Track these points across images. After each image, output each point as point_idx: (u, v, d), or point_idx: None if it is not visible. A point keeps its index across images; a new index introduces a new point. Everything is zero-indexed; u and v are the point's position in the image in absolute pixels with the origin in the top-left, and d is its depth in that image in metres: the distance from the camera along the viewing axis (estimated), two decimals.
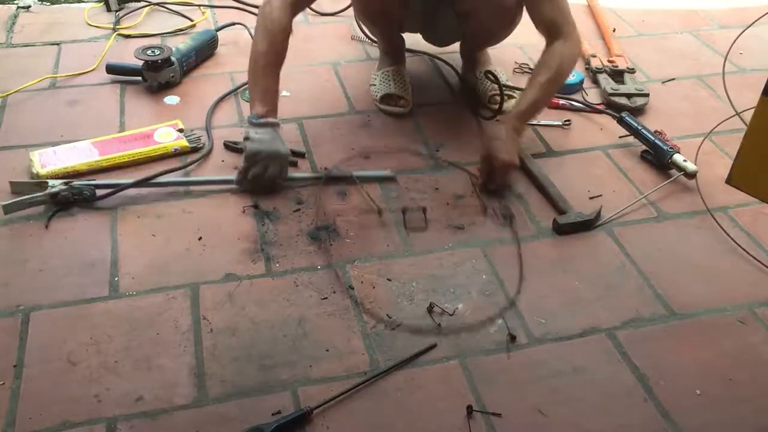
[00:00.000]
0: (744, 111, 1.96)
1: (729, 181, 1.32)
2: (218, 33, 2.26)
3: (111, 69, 2.08)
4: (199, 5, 2.47)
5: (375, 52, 2.24)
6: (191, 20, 2.39)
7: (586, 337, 1.40)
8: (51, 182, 1.63)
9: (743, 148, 1.28)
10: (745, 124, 1.73)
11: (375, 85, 2.04)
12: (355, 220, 1.64)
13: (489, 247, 1.59)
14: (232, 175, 1.71)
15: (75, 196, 1.62)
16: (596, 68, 2.17)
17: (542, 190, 1.74)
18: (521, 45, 2.29)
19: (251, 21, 2.38)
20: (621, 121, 1.90)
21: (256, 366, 1.31)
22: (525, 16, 1.85)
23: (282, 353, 1.34)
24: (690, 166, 1.76)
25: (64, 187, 1.61)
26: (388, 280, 1.50)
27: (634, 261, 1.57)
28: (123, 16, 2.40)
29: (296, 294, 1.45)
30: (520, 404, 1.27)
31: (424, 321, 1.41)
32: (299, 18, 2.43)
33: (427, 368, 1.33)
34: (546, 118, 1.99)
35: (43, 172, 1.68)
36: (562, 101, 2.04)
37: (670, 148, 1.80)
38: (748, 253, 1.59)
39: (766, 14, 2.15)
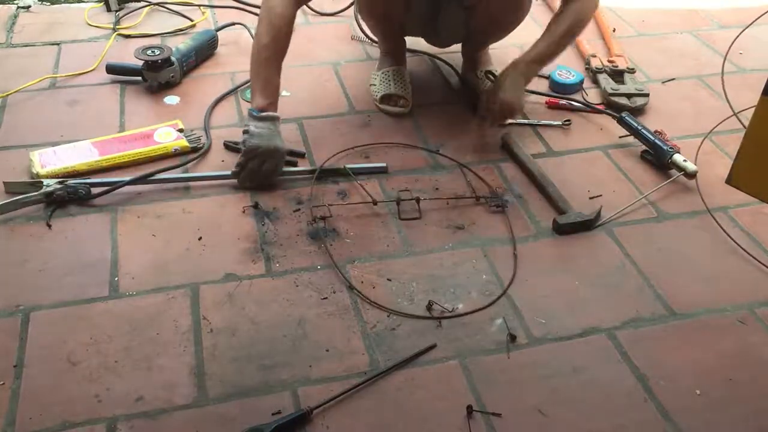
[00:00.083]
0: (743, 111, 1.96)
1: (729, 181, 1.32)
2: (218, 33, 2.26)
3: (111, 69, 2.08)
4: (199, 5, 2.47)
5: (375, 52, 2.24)
6: (191, 20, 2.39)
7: (586, 337, 1.40)
8: (46, 182, 1.63)
9: (743, 148, 1.28)
10: (743, 125, 1.73)
11: (375, 85, 2.04)
12: (355, 220, 1.64)
13: (489, 247, 1.59)
14: (224, 171, 1.72)
15: (70, 195, 1.62)
16: (596, 68, 2.17)
17: (542, 190, 1.74)
18: (521, 45, 2.29)
19: (251, 21, 2.38)
20: (621, 121, 1.90)
21: (256, 366, 1.31)
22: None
23: (282, 353, 1.34)
24: (690, 166, 1.76)
25: (58, 186, 1.61)
26: (388, 280, 1.50)
27: (634, 261, 1.57)
28: (123, 16, 2.40)
29: (296, 294, 1.45)
30: (520, 404, 1.27)
31: (424, 321, 1.41)
32: (299, 19, 2.43)
33: (427, 368, 1.33)
34: (546, 118, 1.99)
35: (43, 172, 1.68)
36: (562, 101, 2.04)
37: (670, 148, 1.80)
38: (748, 253, 1.59)
39: (765, 14, 2.15)
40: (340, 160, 1.80)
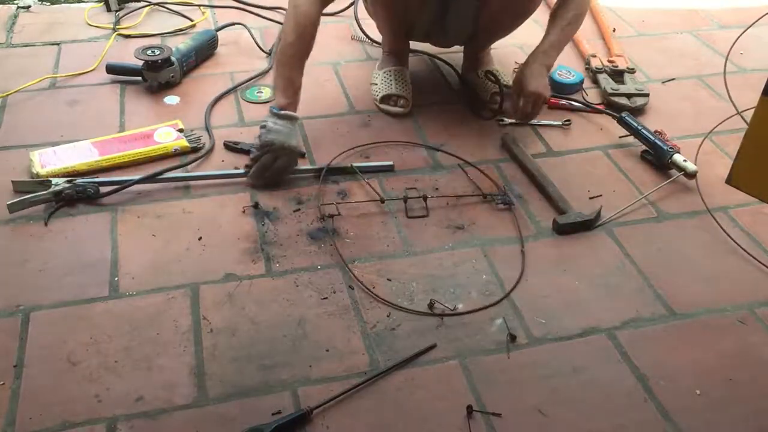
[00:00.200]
0: (744, 111, 1.96)
1: (729, 181, 1.32)
2: (218, 33, 2.26)
3: (111, 69, 2.08)
4: (199, 5, 2.47)
5: (375, 52, 2.24)
6: (191, 20, 2.39)
7: (586, 337, 1.40)
8: (54, 180, 1.63)
9: (743, 148, 1.28)
10: (747, 123, 1.73)
11: (376, 84, 2.04)
12: (355, 220, 1.64)
13: (489, 247, 1.59)
14: (243, 169, 1.73)
15: (79, 194, 1.62)
16: (596, 68, 2.17)
17: (542, 190, 1.74)
18: (521, 45, 2.29)
19: (251, 21, 2.39)
20: (621, 121, 1.90)
21: (256, 366, 1.31)
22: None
23: (282, 353, 1.34)
24: (690, 166, 1.76)
25: (67, 185, 1.62)
26: (388, 279, 1.50)
27: (634, 261, 1.57)
28: (123, 16, 2.40)
29: (296, 294, 1.45)
30: (520, 404, 1.27)
31: (425, 321, 1.41)
32: None
33: (427, 368, 1.33)
34: (546, 118, 1.99)
35: (43, 172, 1.68)
36: (562, 101, 2.04)
37: (670, 148, 1.80)
38: (748, 253, 1.59)
39: (766, 14, 2.15)
40: (339, 160, 1.80)
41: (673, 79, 2.21)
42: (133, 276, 1.47)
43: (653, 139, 1.82)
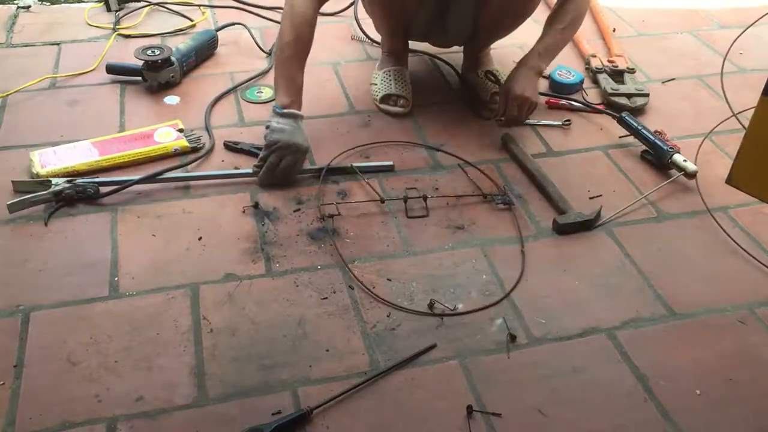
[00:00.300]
0: (743, 111, 1.96)
1: (729, 181, 1.32)
2: (218, 33, 2.26)
3: (111, 69, 2.08)
4: (199, 5, 2.47)
5: (375, 52, 2.24)
6: (191, 20, 2.39)
7: (586, 337, 1.40)
8: (54, 180, 1.63)
9: (743, 148, 1.28)
10: (743, 125, 1.73)
11: (376, 84, 2.04)
12: (354, 220, 1.64)
13: (489, 247, 1.59)
14: (244, 169, 1.73)
15: (79, 194, 1.62)
16: (596, 68, 2.17)
17: (542, 190, 1.74)
18: (521, 45, 2.29)
19: (251, 21, 2.39)
20: (621, 121, 1.90)
21: (256, 366, 1.31)
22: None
23: (282, 353, 1.34)
24: (690, 166, 1.76)
25: (67, 185, 1.62)
26: (388, 280, 1.50)
27: (634, 261, 1.57)
28: (123, 16, 2.40)
29: (296, 294, 1.45)
30: (520, 404, 1.27)
31: (424, 321, 1.41)
32: None
33: (427, 368, 1.33)
34: (546, 118, 1.99)
35: (43, 172, 1.68)
36: (562, 101, 2.04)
37: (670, 148, 1.80)
38: (748, 253, 1.59)
39: (766, 14, 2.15)
40: (339, 160, 1.80)
41: (673, 79, 2.21)
42: (133, 276, 1.47)
43: (653, 139, 1.82)
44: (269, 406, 1.24)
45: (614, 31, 2.43)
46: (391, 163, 1.80)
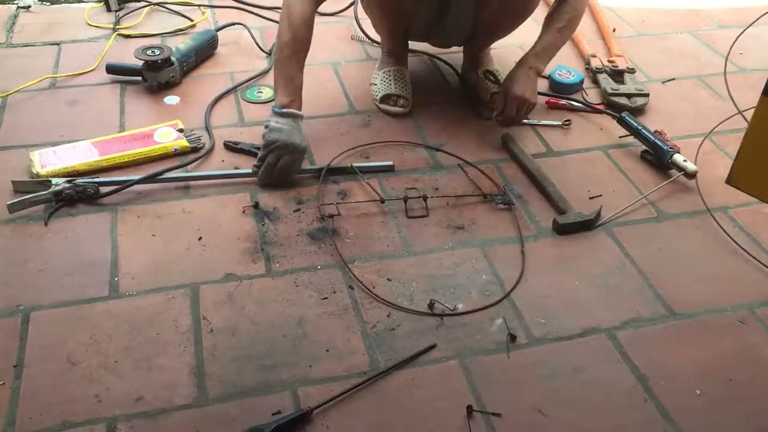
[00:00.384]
0: (745, 111, 1.96)
1: (729, 181, 1.32)
2: (218, 33, 2.26)
3: (111, 69, 2.08)
4: (199, 5, 2.47)
5: (375, 52, 2.24)
6: (191, 20, 2.39)
7: (586, 337, 1.40)
8: (54, 180, 1.63)
9: (743, 148, 1.28)
10: (746, 119, 1.73)
11: (376, 84, 2.04)
12: (354, 220, 1.64)
13: (489, 247, 1.59)
14: (244, 169, 1.73)
15: (79, 194, 1.62)
16: (596, 68, 2.17)
17: (542, 190, 1.74)
18: (521, 45, 2.29)
19: (251, 21, 2.39)
20: (621, 121, 1.90)
21: (256, 366, 1.31)
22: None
23: (282, 353, 1.34)
24: (690, 166, 1.76)
25: (67, 185, 1.62)
26: (388, 280, 1.50)
27: (634, 261, 1.57)
28: (123, 16, 2.40)
29: (296, 294, 1.45)
30: (520, 404, 1.27)
31: (425, 321, 1.41)
32: None
33: (427, 368, 1.33)
34: (546, 118, 1.99)
35: (43, 172, 1.68)
36: (562, 101, 2.04)
37: (670, 148, 1.80)
38: (748, 253, 1.59)
39: (766, 14, 2.15)
40: (339, 160, 1.80)
41: (673, 79, 2.21)
42: (133, 276, 1.47)
43: (653, 139, 1.82)
44: (269, 406, 1.24)
45: (614, 31, 2.43)
46: (391, 163, 1.80)
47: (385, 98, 1.99)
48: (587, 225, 1.64)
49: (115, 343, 1.34)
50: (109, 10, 2.42)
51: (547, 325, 1.42)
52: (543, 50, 1.85)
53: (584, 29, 2.20)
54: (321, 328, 1.39)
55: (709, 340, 1.40)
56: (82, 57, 2.16)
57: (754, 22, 2.13)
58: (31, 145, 1.79)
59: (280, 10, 2.39)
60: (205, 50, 2.18)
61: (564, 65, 2.15)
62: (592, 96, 2.11)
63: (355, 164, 1.77)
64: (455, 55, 2.19)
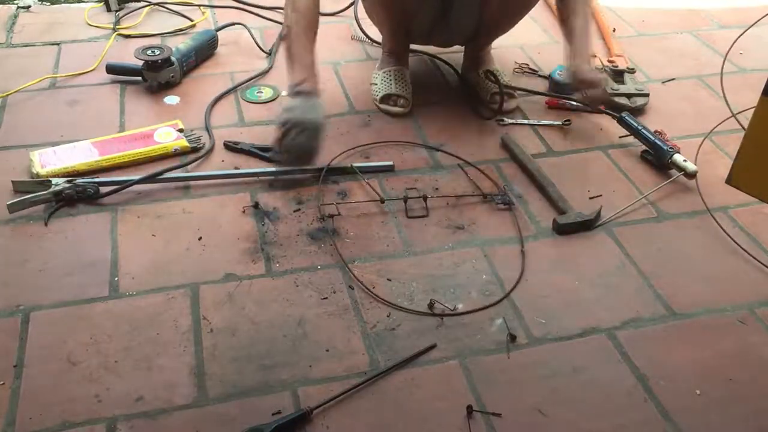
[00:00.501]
0: (743, 111, 1.96)
1: (729, 181, 1.32)
2: (218, 33, 2.26)
3: (111, 69, 2.08)
4: (199, 5, 2.47)
5: (375, 52, 2.24)
6: (191, 20, 2.39)
7: (586, 337, 1.40)
8: (54, 180, 1.63)
9: (743, 148, 1.28)
10: (742, 126, 1.73)
11: (376, 84, 2.04)
12: (354, 220, 1.64)
13: (489, 247, 1.59)
14: (244, 169, 1.73)
15: (79, 194, 1.62)
16: (596, 68, 2.16)
17: (542, 190, 1.74)
18: (521, 45, 2.30)
19: (251, 21, 2.39)
20: (621, 121, 1.90)
21: (256, 366, 1.31)
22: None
23: (282, 353, 1.34)
24: (690, 166, 1.76)
25: (67, 185, 1.62)
26: (388, 280, 1.50)
27: (634, 261, 1.57)
28: (123, 16, 2.40)
29: (296, 294, 1.45)
30: (520, 404, 1.27)
31: (424, 321, 1.41)
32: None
33: (427, 368, 1.33)
34: (546, 118, 2.00)
35: (43, 172, 1.68)
36: (562, 101, 2.04)
37: (670, 148, 1.80)
38: (748, 253, 1.59)
39: (766, 15, 2.15)
40: (339, 160, 1.80)
41: (673, 79, 2.21)
42: (133, 276, 1.47)
43: (653, 139, 1.82)
44: (269, 406, 1.24)
45: (614, 31, 2.44)
46: (391, 163, 1.80)
47: (386, 98, 1.99)
48: (587, 225, 1.64)
49: (115, 343, 1.34)
50: (109, 10, 2.42)
51: (547, 325, 1.42)
52: (584, 48, 1.91)
53: None
54: (321, 328, 1.39)
55: (709, 340, 1.40)
56: (82, 57, 2.16)
57: (755, 23, 2.12)
58: (31, 145, 1.79)
59: (280, 10, 2.41)
60: (205, 50, 2.18)
61: (564, 65, 2.15)
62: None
63: (355, 164, 1.77)
64: (455, 55, 2.19)
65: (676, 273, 1.55)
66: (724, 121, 1.98)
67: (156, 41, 2.26)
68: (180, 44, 2.12)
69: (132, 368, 1.30)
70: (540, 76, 2.18)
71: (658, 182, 1.78)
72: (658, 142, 1.81)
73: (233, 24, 2.34)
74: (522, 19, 2.01)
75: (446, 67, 2.20)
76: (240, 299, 1.44)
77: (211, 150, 1.82)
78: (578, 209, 1.67)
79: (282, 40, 1.76)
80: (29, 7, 2.44)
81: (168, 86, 2.05)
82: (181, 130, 1.85)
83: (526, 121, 1.98)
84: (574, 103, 2.04)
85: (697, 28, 2.52)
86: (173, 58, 2.04)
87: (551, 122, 1.98)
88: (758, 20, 2.12)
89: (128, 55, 2.08)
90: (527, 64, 2.22)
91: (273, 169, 1.75)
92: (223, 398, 1.25)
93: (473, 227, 1.64)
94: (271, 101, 2.02)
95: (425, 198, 1.67)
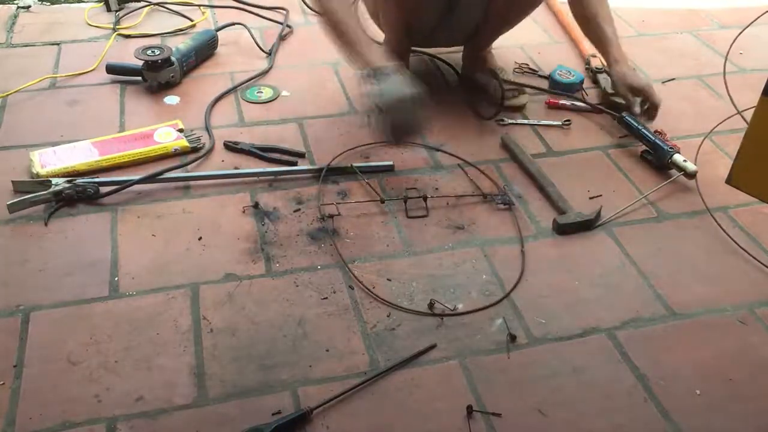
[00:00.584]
0: (744, 111, 1.96)
1: (729, 181, 1.32)
2: (218, 33, 2.26)
3: (111, 69, 2.08)
4: (199, 5, 2.47)
5: None
6: (191, 20, 2.39)
7: (586, 337, 1.40)
8: (54, 180, 1.63)
9: (743, 148, 1.28)
10: (747, 124, 1.73)
11: None
12: (354, 220, 1.64)
13: (489, 247, 1.59)
14: (244, 169, 1.72)
15: (79, 194, 1.62)
16: (596, 68, 2.16)
17: (542, 190, 1.74)
18: (521, 45, 2.30)
19: (251, 21, 2.39)
20: (621, 121, 1.90)
21: (256, 366, 1.31)
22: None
23: (282, 353, 1.34)
24: (690, 166, 1.76)
25: (67, 185, 1.62)
26: (388, 280, 1.50)
27: (634, 261, 1.57)
28: (123, 16, 2.40)
29: (296, 294, 1.45)
30: (520, 404, 1.27)
31: (424, 321, 1.41)
32: (300, 19, 2.44)
33: (427, 368, 1.33)
34: (546, 118, 2.00)
35: (43, 172, 1.68)
36: (562, 101, 2.04)
37: (670, 148, 1.80)
38: (748, 253, 1.59)
39: (766, 14, 2.15)
40: (339, 160, 1.80)
41: (673, 79, 2.21)
42: (133, 276, 1.47)
43: (653, 139, 1.83)
44: (269, 406, 1.24)
45: None
46: (391, 163, 1.80)
47: None
48: (587, 225, 1.64)
49: (115, 343, 1.34)
50: (109, 10, 2.42)
51: (547, 325, 1.42)
52: (616, 49, 1.94)
53: None
54: (321, 328, 1.39)
55: (709, 340, 1.40)
56: (82, 57, 2.16)
57: (753, 22, 2.12)
58: (31, 145, 1.79)
59: (280, 11, 2.43)
60: (205, 50, 2.18)
61: (564, 65, 2.15)
62: (592, 96, 2.10)
63: (355, 164, 1.77)
64: (455, 55, 2.19)
65: (676, 273, 1.55)
66: (728, 119, 1.98)
67: (156, 41, 2.26)
68: (180, 44, 2.12)
69: (132, 368, 1.30)
70: (540, 76, 2.18)
71: (658, 182, 1.78)
72: (658, 142, 1.81)
73: (233, 24, 2.34)
74: (522, 20, 2.01)
75: (446, 67, 2.19)
76: (240, 299, 1.44)
77: (211, 150, 1.82)
78: (578, 209, 1.67)
79: (334, 31, 1.64)
80: (29, 7, 2.44)
81: (168, 86, 2.05)
82: (181, 130, 1.85)
83: (526, 121, 1.98)
84: (575, 103, 2.04)
85: (697, 28, 2.52)
86: (173, 58, 2.04)
87: (551, 122, 1.98)
88: (755, 20, 2.12)
89: (128, 55, 2.08)
90: (527, 64, 2.22)
91: (273, 169, 1.75)
92: (223, 398, 1.25)
93: (473, 227, 1.64)
94: (271, 101, 2.02)
95: (425, 198, 1.67)
